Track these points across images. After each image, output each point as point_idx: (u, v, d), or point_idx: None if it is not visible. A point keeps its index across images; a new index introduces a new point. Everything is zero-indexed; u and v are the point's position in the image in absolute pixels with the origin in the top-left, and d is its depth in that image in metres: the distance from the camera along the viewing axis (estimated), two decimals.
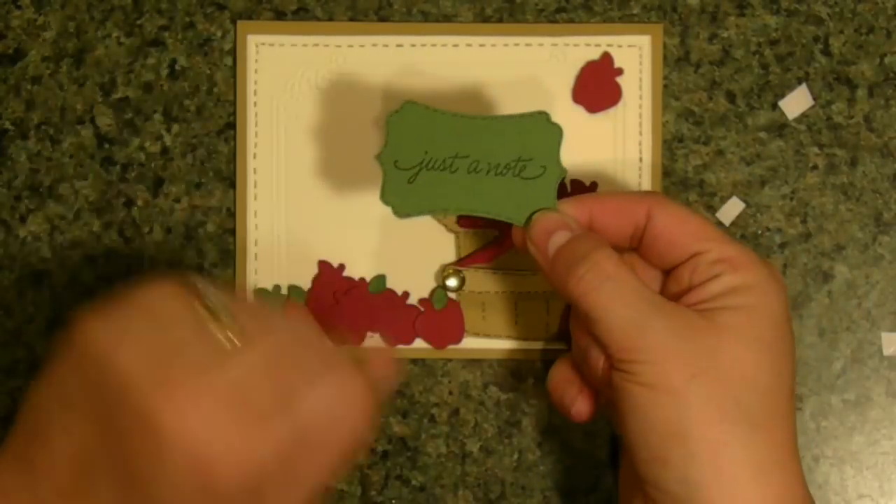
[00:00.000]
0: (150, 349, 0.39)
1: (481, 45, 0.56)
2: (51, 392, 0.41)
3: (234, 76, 0.56)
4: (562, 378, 0.50)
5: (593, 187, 0.56)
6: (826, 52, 0.56)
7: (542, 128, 0.49)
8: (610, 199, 0.49)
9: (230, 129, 0.56)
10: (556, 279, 0.47)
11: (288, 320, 0.43)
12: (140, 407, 0.38)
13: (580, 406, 0.50)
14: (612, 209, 0.49)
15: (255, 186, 0.56)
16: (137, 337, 0.40)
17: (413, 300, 0.56)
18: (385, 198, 0.49)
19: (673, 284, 0.48)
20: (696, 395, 0.44)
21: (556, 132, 0.49)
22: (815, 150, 0.56)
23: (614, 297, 0.45)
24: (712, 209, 0.56)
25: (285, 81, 0.56)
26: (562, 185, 0.56)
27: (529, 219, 0.49)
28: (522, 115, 0.49)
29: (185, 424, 0.38)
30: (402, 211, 0.49)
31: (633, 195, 0.50)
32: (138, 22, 0.56)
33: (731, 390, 0.44)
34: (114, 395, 0.39)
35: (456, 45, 0.56)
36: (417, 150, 0.49)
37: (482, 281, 0.55)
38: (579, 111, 0.56)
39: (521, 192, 0.49)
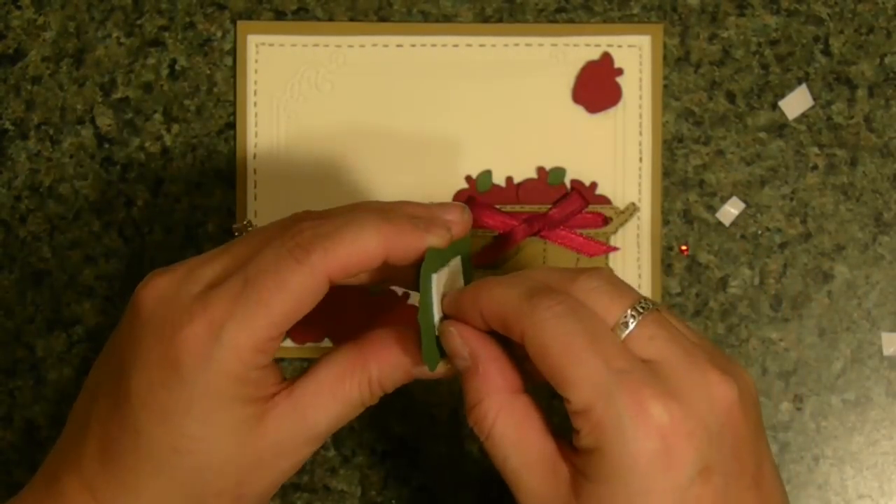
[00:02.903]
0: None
1: (481, 45, 0.56)
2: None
3: (234, 76, 0.56)
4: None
5: (593, 187, 0.56)
6: (826, 52, 0.56)
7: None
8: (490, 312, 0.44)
9: (230, 129, 0.56)
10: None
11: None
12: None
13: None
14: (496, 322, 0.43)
15: (255, 186, 0.56)
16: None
17: (413, 300, 0.56)
18: (427, 358, 0.44)
19: None
20: None
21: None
22: (815, 150, 0.56)
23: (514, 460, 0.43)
24: (712, 209, 0.56)
25: (285, 81, 0.56)
26: (562, 185, 0.56)
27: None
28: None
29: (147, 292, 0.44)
30: (434, 366, 0.45)
31: (510, 314, 0.43)
32: (138, 22, 0.56)
33: None
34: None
35: (456, 46, 0.56)
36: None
37: None
38: (579, 111, 0.56)
39: None
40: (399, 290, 0.56)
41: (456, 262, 0.46)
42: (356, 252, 0.42)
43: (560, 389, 0.42)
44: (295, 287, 0.42)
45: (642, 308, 0.42)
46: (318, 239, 0.42)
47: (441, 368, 0.45)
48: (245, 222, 0.51)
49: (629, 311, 0.42)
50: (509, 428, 0.43)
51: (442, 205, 0.46)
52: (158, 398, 0.42)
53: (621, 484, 0.40)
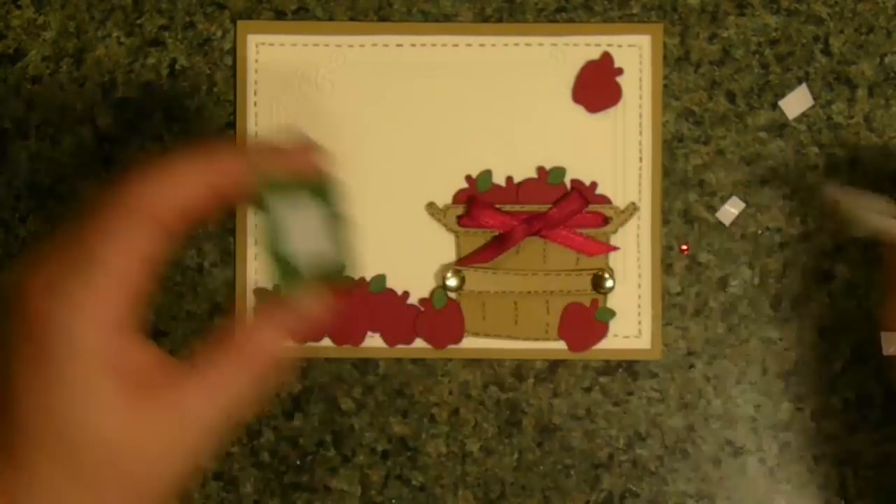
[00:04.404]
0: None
1: (481, 45, 0.56)
2: None
3: (234, 76, 0.56)
4: None
5: (593, 187, 0.56)
6: (826, 51, 0.56)
7: None
8: None
9: (230, 129, 0.56)
10: None
11: None
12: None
13: None
14: None
15: None
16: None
17: (413, 300, 0.56)
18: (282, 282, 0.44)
19: None
20: None
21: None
22: (815, 149, 0.56)
23: None
24: (712, 209, 0.56)
25: (285, 81, 0.56)
26: (562, 185, 0.56)
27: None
28: None
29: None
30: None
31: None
32: (138, 22, 0.56)
33: None
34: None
35: (456, 45, 0.56)
36: None
37: (482, 281, 0.55)
38: (579, 111, 0.56)
39: None
40: (399, 290, 0.56)
41: (308, 201, 0.44)
42: (180, 194, 0.41)
43: None
44: (126, 240, 0.41)
45: None
46: (140, 187, 0.41)
47: (305, 294, 0.44)
48: None
49: None
50: None
51: (282, 140, 0.45)
52: (34, 377, 0.41)
53: None
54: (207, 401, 0.43)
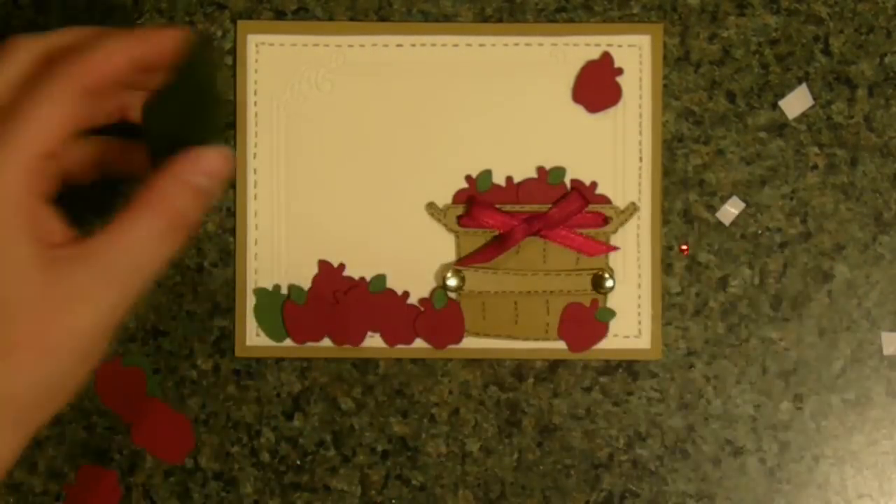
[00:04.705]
0: None
1: (481, 45, 0.56)
2: None
3: (234, 76, 0.56)
4: None
5: (593, 187, 0.56)
6: (826, 51, 0.56)
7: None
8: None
9: (230, 128, 0.56)
10: None
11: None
12: None
13: None
14: None
15: (255, 186, 0.56)
16: None
17: (413, 300, 0.56)
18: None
19: None
20: None
21: None
22: (815, 149, 0.56)
23: None
24: (712, 209, 0.56)
25: (285, 81, 0.56)
26: (562, 185, 0.56)
27: None
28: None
29: None
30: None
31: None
32: (138, 22, 0.56)
33: None
34: None
35: (456, 45, 0.56)
36: None
37: (482, 281, 0.55)
38: (579, 111, 0.56)
39: None
40: (399, 290, 0.56)
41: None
42: (107, 62, 0.44)
43: None
44: (53, 98, 0.43)
45: None
46: (67, 53, 0.44)
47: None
48: None
49: None
50: None
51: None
52: None
53: None
54: (118, 254, 0.44)
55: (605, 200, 0.56)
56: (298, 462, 0.56)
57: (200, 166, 0.46)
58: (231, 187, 0.56)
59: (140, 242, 0.45)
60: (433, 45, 0.56)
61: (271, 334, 0.55)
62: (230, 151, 0.46)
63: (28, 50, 0.46)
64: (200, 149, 0.46)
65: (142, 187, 0.45)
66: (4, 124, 0.43)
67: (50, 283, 0.44)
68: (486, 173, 0.56)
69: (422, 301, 0.56)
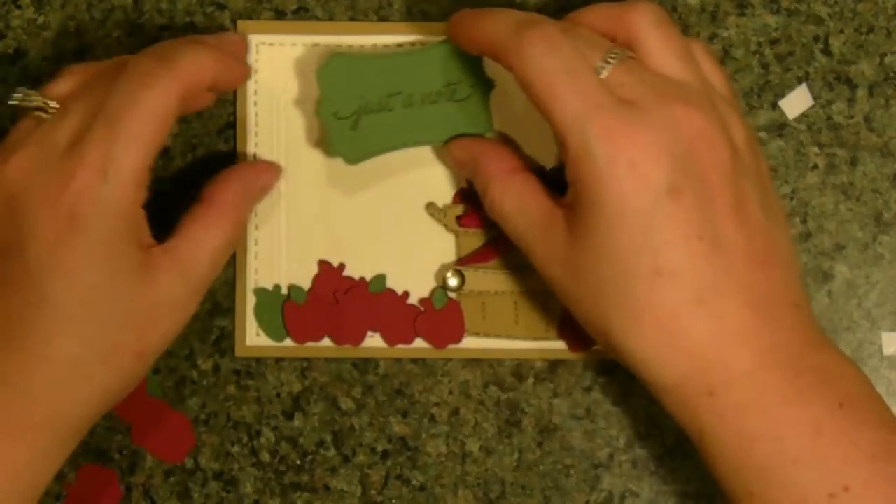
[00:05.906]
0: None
1: None
2: None
3: None
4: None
5: None
6: (826, 51, 0.56)
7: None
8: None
9: (230, 129, 0.56)
10: None
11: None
12: None
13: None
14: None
15: None
16: None
17: (413, 300, 0.56)
18: (334, 150, 0.52)
19: None
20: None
21: None
22: (815, 149, 0.56)
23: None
24: None
25: (285, 81, 0.56)
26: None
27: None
28: (442, 42, 0.51)
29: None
30: (353, 158, 0.52)
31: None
32: (138, 22, 0.56)
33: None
34: None
35: None
36: (353, 97, 0.52)
37: (482, 281, 0.55)
38: None
39: (457, 115, 0.52)
40: (399, 290, 0.56)
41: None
42: (196, 71, 0.48)
43: (546, 119, 0.46)
44: (154, 110, 0.46)
45: (613, 56, 0.46)
46: (162, 63, 0.47)
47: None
48: (32, 95, 0.50)
49: (605, 56, 0.46)
50: (512, 202, 0.49)
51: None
52: (60, 257, 0.45)
53: (597, 209, 0.44)
54: (200, 262, 0.48)
55: None
56: (298, 462, 0.56)
57: (260, 179, 0.52)
58: None
59: (217, 251, 0.49)
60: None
61: (271, 334, 0.55)
62: (280, 166, 0.54)
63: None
64: (257, 162, 0.53)
65: (207, 194, 0.50)
66: (110, 143, 0.46)
67: (149, 289, 0.46)
68: None
69: (422, 301, 0.56)
